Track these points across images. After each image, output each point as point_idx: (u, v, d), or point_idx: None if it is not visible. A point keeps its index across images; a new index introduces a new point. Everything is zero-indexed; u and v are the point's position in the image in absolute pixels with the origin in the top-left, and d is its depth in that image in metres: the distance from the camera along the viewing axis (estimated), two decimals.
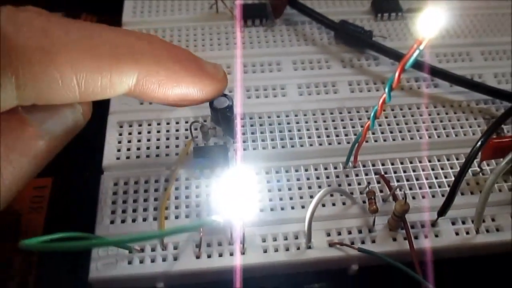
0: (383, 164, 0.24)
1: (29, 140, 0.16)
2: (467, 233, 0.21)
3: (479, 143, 0.19)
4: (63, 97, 0.15)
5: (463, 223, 0.22)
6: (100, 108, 0.25)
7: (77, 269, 0.21)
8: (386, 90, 0.17)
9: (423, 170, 0.23)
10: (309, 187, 0.23)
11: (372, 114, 0.19)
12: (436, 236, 0.21)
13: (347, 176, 0.23)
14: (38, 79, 0.14)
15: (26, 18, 0.15)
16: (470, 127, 0.25)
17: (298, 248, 0.21)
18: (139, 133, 0.24)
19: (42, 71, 0.14)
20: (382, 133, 0.25)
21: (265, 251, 0.21)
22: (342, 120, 0.25)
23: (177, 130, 0.25)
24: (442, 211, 0.21)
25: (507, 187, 0.23)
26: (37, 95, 0.15)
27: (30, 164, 0.16)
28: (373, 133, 0.25)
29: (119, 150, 0.24)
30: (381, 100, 0.18)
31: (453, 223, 0.22)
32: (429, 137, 0.25)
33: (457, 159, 0.24)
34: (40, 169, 0.17)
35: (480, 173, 0.23)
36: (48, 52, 0.15)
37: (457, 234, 0.21)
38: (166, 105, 0.19)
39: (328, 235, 0.21)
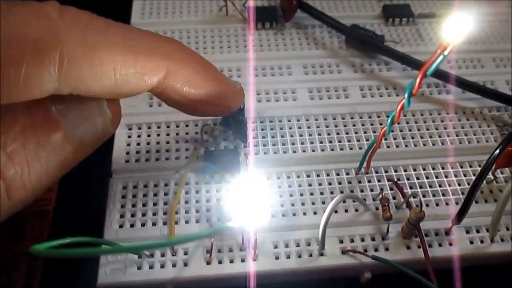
0: (395, 171, 0.23)
1: (60, 142, 0.16)
2: (482, 241, 0.21)
3: (498, 150, 0.19)
4: (101, 84, 0.16)
5: (477, 231, 0.21)
6: None
7: (84, 274, 0.20)
8: (406, 95, 0.16)
9: (436, 177, 0.23)
10: (321, 193, 0.22)
11: (389, 120, 0.18)
12: (450, 244, 0.21)
13: (359, 182, 0.23)
14: (79, 62, 0.15)
15: (69, 10, 0.15)
16: (483, 134, 0.25)
17: (311, 255, 0.20)
18: (148, 135, 0.24)
19: (85, 55, 0.15)
20: (394, 139, 0.24)
21: (277, 258, 0.20)
22: (353, 126, 0.25)
23: (186, 133, 0.24)
24: (457, 219, 0.21)
25: None
26: (76, 80, 0.15)
27: (56, 166, 0.16)
28: (386, 139, 0.24)
29: (128, 153, 0.23)
30: (399, 106, 0.17)
31: (467, 232, 0.21)
32: (442, 143, 0.24)
33: (470, 166, 0.24)
34: (63, 174, 0.17)
35: (494, 181, 0.23)
36: (91, 41, 0.15)
37: (471, 242, 0.21)
38: (186, 111, 0.20)
39: (341, 242, 0.21)
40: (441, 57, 0.14)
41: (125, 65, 0.16)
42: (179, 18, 0.30)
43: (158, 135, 0.24)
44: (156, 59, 0.17)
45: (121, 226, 0.21)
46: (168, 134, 0.24)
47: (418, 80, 0.15)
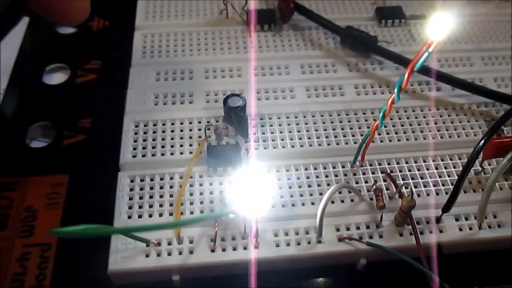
0: (388, 163, 0.25)
1: None
2: (470, 228, 0.22)
3: (482, 142, 0.20)
4: None
5: (466, 219, 0.23)
6: (117, 109, 0.27)
7: (94, 262, 0.22)
8: (396, 90, 0.18)
9: (427, 169, 0.24)
10: (319, 185, 0.24)
11: (381, 114, 0.20)
12: (441, 231, 0.22)
13: (354, 174, 0.24)
14: None
15: None
16: (472, 128, 0.26)
17: (309, 243, 0.22)
18: (154, 132, 0.25)
19: None
20: (387, 133, 0.26)
21: (277, 246, 0.21)
22: (349, 122, 0.26)
23: (190, 130, 0.25)
24: (446, 208, 0.22)
25: (507, 186, 0.24)
26: None
27: None
28: (379, 134, 0.26)
29: (135, 149, 0.25)
30: (390, 100, 0.19)
31: (456, 220, 0.23)
32: (433, 137, 0.26)
33: (459, 158, 0.25)
34: None
35: (482, 172, 0.24)
36: None
37: (460, 230, 0.22)
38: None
39: (338, 230, 0.22)
40: (426, 54, 0.16)
41: None
42: (181, 20, 0.31)
43: (163, 131, 0.25)
44: None
45: (129, 217, 0.22)
46: (172, 131, 0.25)
47: (406, 75, 0.17)
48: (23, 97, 0.29)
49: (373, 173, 0.24)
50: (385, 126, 0.26)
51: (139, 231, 0.21)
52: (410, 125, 0.26)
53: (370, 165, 0.24)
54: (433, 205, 0.23)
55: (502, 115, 0.23)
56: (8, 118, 0.28)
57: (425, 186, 0.24)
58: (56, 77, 0.30)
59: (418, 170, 0.24)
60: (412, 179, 0.24)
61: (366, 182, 0.24)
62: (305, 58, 0.29)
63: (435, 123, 0.26)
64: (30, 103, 0.29)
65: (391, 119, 0.26)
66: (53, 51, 0.31)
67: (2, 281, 0.22)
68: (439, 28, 0.15)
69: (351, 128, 0.26)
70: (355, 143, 0.25)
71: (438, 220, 0.22)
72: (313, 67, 0.29)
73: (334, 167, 0.24)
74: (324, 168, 0.24)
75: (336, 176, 0.24)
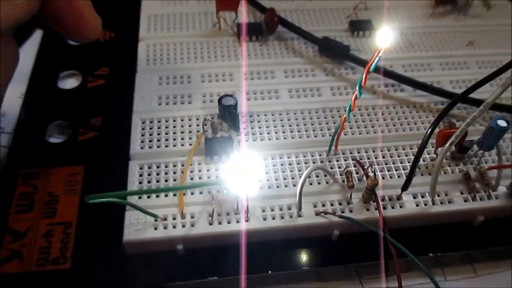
0: (358, 152, 0.29)
1: None
2: (425, 204, 0.27)
3: (428, 131, 0.25)
4: None
5: (422, 197, 0.27)
6: (124, 109, 0.31)
7: (111, 235, 0.25)
8: (357, 87, 0.22)
9: (391, 157, 0.29)
10: (299, 170, 0.28)
11: (347, 108, 0.24)
12: (401, 207, 0.27)
13: (329, 161, 0.28)
14: None
15: None
16: (429, 123, 0.30)
17: (291, 217, 0.26)
18: (159, 128, 0.29)
19: None
20: (358, 128, 0.30)
21: (264, 219, 0.26)
22: (325, 118, 0.31)
23: (190, 126, 0.30)
24: (404, 187, 0.26)
25: (457, 170, 0.28)
26: None
27: None
28: (351, 128, 0.30)
29: (142, 142, 0.29)
30: (353, 96, 0.23)
31: (414, 197, 0.27)
32: (396, 131, 0.30)
33: (417, 147, 0.29)
34: None
35: (436, 159, 0.29)
36: None
37: (417, 205, 0.27)
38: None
39: (315, 206, 0.26)
40: (378, 58, 0.20)
41: None
42: (180, 32, 0.35)
43: (167, 127, 0.29)
44: None
45: (139, 198, 0.26)
46: (174, 126, 0.29)
47: (364, 75, 0.21)
48: (41, 100, 0.33)
49: (345, 160, 0.28)
50: (356, 121, 0.30)
51: (150, 193, 0.25)
52: (377, 120, 0.31)
53: (343, 153, 0.29)
54: (395, 186, 0.27)
55: (443, 108, 0.27)
56: (29, 119, 0.32)
57: (388, 170, 0.28)
58: (69, 83, 0.34)
59: (383, 157, 0.29)
60: (378, 165, 0.28)
61: (339, 167, 0.28)
62: (288, 64, 0.34)
63: (399, 119, 0.31)
64: (47, 105, 0.32)
65: (361, 115, 0.31)
66: (65, 60, 0.35)
67: (32, 253, 0.25)
68: (384, 38, 0.19)
69: (327, 123, 0.30)
70: (330, 136, 0.29)
71: (399, 197, 0.27)
72: (295, 72, 0.33)
73: (312, 156, 0.29)
74: (304, 156, 0.28)
75: (314, 162, 0.28)
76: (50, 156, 0.29)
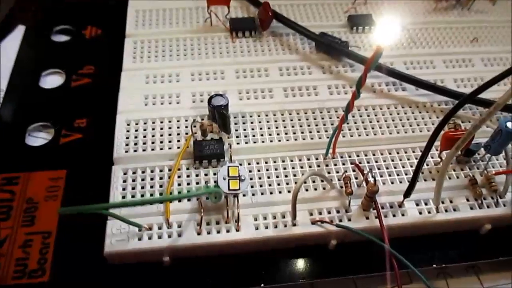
0: (357, 155, 0.27)
1: None
2: (429, 212, 0.25)
3: (433, 135, 0.23)
4: None
5: (426, 204, 0.25)
6: (109, 108, 0.29)
7: (91, 245, 0.24)
8: (356, 87, 0.20)
9: (392, 160, 0.27)
10: (294, 175, 0.26)
11: (345, 108, 0.22)
12: (403, 215, 0.25)
13: (326, 165, 0.27)
14: None
15: None
16: (433, 124, 0.29)
17: (285, 226, 0.24)
18: (145, 129, 0.28)
19: None
20: (357, 129, 0.28)
21: (256, 228, 0.24)
22: (322, 119, 0.29)
23: (178, 127, 0.28)
24: (407, 193, 0.24)
25: (463, 175, 0.27)
26: None
27: None
28: (349, 129, 0.28)
29: (127, 145, 0.27)
30: (352, 96, 0.21)
31: (417, 204, 0.25)
32: (398, 132, 0.28)
33: (421, 151, 0.27)
34: None
35: (440, 163, 0.27)
36: None
37: (420, 213, 0.25)
38: None
39: (311, 214, 0.25)
40: (378, 56, 0.18)
41: None
42: (169, 28, 0.34)
43: (153, 129, 0.28)
44: None
45: None
46: (161, 128, 0.28)
47: (363, 75, 0.19)
48: (22, 100, 0.31)
49: (343, 164, 0.27)
50: (355, 122, 0.29)
51: (131, 205, 0.23)
52: (378, 121, 0.29)
53: (341, 157, 0.27)
54: (397, 192, 0.25)
55: (450, 110, 0.25)
56: (8, 119, 0.30)
57: (389, 175, 0.26)
58: (52, 81, 0.32)
59: (384, 161, 0.27)
60: (378, 169, 0.27)
61: (337, 172, 0.26)
62: (283, 61, 0.32)
63: (400, 120, 0.29)
64: (28, 106, 0.31)
65: (360, 116, 0.29)
66: (48, 58, 0.33)
67: (8, 265, 0.24)
68: (384, 37, 0.17)
69: (324, 124, 0.29)
70: (327, 138, 0.28)
71: (400, 205, 0.25)
72: (290, 69, 0.32)
73: (308, 159, 0.27)
74: (300, 160, 0.27)
75: (310, 167, 0.27)
76: (30, 159, 0.28)
